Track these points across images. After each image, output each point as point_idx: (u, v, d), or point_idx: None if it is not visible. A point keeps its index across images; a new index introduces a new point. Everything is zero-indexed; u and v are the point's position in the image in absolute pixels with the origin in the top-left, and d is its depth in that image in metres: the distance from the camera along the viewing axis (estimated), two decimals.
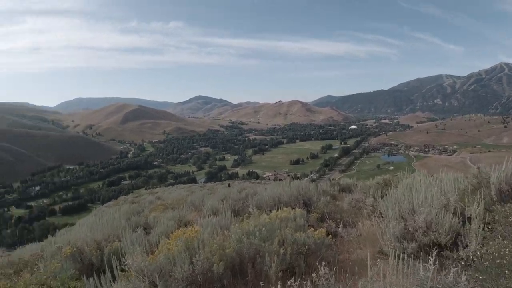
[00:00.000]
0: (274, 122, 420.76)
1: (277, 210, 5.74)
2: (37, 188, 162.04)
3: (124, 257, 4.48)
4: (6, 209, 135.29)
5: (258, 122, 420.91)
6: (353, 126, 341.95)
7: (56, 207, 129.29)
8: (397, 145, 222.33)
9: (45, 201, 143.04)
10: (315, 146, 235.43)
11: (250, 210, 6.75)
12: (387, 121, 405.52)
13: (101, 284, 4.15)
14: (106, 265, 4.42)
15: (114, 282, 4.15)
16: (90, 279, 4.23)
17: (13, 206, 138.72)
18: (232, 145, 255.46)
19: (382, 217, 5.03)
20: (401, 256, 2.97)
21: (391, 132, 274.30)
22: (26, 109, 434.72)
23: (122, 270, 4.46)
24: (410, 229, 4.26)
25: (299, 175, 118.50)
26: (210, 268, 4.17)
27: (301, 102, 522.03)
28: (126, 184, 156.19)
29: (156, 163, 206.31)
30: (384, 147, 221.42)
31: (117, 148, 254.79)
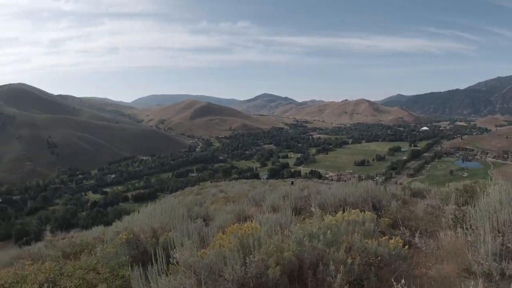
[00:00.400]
0: (339, 121, 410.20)
1: (343, 211, 5.12)
2: (113, 176, 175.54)
3: (175, 249, 4.25)
4: (83, 193, 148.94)
5: (323, 121, 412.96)
6: (425, 128, 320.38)
7: (129, 194, 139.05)
8: (472, 150, 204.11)
9: (119, 188, 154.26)
10: (382, 147, 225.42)
11: (312, 209, 6.25)
12: (462, 123, 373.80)
13: (146, 276, 3.90)
14: (159, 255, 4.21)
15: (161, 275, 3.90)
16: (136, 268, 4.02)
17: (90, 191, 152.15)
18: (296, 143, 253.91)
19: (471, 228, 4.19)
20: (496, 278, 2.70)
21: (466, 136, 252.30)
22: (106, 103, 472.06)
23: (177, 263, 4.17)
24: (510, 245, 3.45)
25: (363, 177, 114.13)
26: (265, 272, 3.66)
27: (368, 101, 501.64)
28: (193, 176, 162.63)
29: (221, 157, 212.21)
30: (459, 152, 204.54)
31: (186, 142, 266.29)
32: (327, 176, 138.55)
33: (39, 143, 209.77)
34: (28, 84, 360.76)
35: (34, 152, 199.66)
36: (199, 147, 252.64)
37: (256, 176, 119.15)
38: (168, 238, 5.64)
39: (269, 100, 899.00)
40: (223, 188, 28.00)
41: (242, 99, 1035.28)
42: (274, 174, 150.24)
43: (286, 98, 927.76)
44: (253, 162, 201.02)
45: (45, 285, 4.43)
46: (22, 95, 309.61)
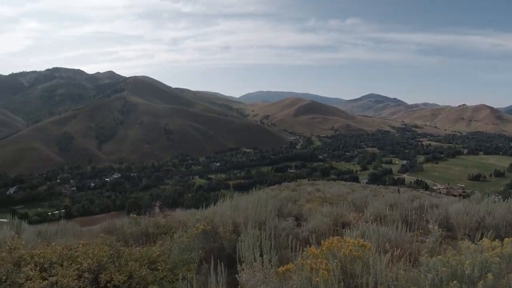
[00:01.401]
0: (454, 128, 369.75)
1: (481, 236, 3.76)
2: (218, 164, 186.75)
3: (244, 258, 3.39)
4: (191, 177, 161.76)
5: (435, 127, 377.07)
6: None
7: (230, 183, 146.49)
8: None
9: (222, 176, 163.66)
10: (502, 161, 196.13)
11: (430, 226, 5.04)
12: None
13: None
14: (237, 256, 3.59)
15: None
16: (201, 273, 3.46)
17: (197, 176, 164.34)
18: (402, 149, 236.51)
19: None
20: None
21: None
22: (216, 97, 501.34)
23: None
24: None
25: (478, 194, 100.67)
26: None
27: (490, 108, 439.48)
28: (291, 172, 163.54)
29: (321, 157, 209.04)
30: None
31: (288, 138, 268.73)
32: (434, 188, 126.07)
33: (157, 129, 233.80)
34: (151, 77, 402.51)
35: (152, 137, 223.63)
36: (299, 144, 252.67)
37: (355, 180, 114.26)
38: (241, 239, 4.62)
39: (376, 100, 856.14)
40: (319, 188, 26.92)
41: (346, 98, 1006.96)
42: (375, 179, 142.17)
43: (394, 100, 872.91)
44: (354, 164, 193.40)
45: (86, 274, 3.90)
46: (145, 87, 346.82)
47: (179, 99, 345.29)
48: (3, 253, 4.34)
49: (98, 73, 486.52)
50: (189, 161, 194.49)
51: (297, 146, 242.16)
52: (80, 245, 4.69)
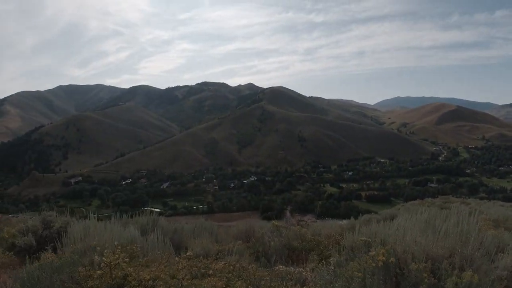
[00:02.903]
0: None
1: None
2: (350, 173, 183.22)
3: None
4: (322, 184, 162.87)
5: None
6: None
7: (362, 193, 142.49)
8: None
9: (354, 185, 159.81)
10: None
11: None
12: None
13: None
14: None
15: None
16: None
17: (328, 184, 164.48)
18: None
19: None
20: None
21: None
22: (350, 105, 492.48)
23: None
24: None
25: None
26: None
27: None
28: (432, 187, 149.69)
29: (468, 171, 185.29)
30: None
31: (429, 148, 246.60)
32: None
33: (292, 136, 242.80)
34: (286, 87, 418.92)
35: (287, 143, 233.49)
36: (442, 155, 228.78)
37: (510, 199, 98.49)
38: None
39: None
40: (474, 207, 24.66)
41: (501, 103, 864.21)
42: None
43: None
44: (508, 182, 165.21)
45: None
46: (281, 96, 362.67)
47: (312, 107, 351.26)
48: (102, 270, 3.69)
49: (239, 85, 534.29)
50: (321, 169, 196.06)
51: (440, 158, 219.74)
52: (211, 270, 4.14)
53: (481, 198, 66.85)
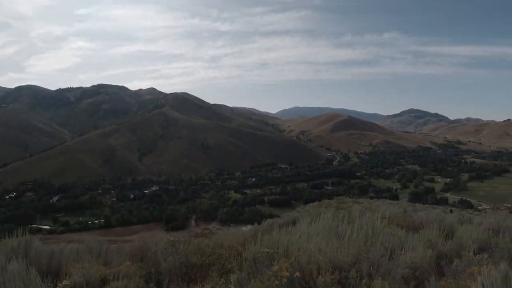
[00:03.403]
0: (500, 145, 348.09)
1: None
2: (253, 179, 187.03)
3: None
4: (226, 191, 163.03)
5: (479, 143, 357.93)
6: None
7: (265, 198, 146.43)
8: None
9: (257, 191, 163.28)
10: None
11: None
12: None
13: None
14: None
15: None
16: None
17: (232, 191, 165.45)
18: (445, 166, 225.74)
19: None
20: None
21: None
22: (252, 113, 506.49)
23: None
24: None
25: None
26: None
27: None
28: (328, 189, 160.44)
29: (359, 174, 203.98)
30: None
31: (324, 154, 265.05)
32: (480, 208, 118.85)
33: (196, 143, 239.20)
34: (190, 93, 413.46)
35: (190, 151, 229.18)
36: (336, 160, 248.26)
37: (395, 198, 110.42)
38: None
39: (416, 116, 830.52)
40: (366, 206, 25.98)
41: (386, 114, 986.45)
42: (416, 198, 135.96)
43: (436, 115, 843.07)
44: (393, 182, 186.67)
45: None
46: (184, 102, 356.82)
47: (216, 115, 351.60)
48: None
49: (140, 89, 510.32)
50: (225, 176, 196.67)
51: (334, 163, 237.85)
52: None
53: (371, 198, 73.08)
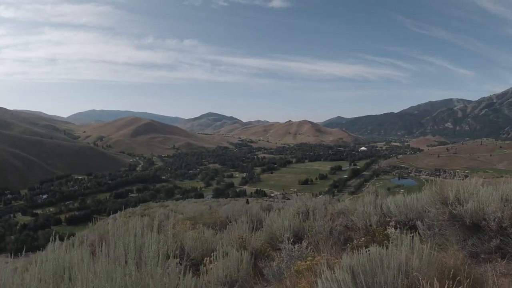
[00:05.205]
0: (283, 141, 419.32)
1: None
2: (45, 196, 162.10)
3: None
4: (12, 215, 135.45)
5: (268, 141, 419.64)
6: (363, 148, 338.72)
7: (62, 217, 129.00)
8: (407, 168, 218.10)
9: (51, 209, 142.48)
10: (324, 166, 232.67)
11: None
12: (397, 144, 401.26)
13: None
14: None
15: None
16: None
17: (19, 213, 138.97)
18: (241, 163, 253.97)
19: None
20: None
21: (401, 155, 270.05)
22: (39, 118, 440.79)
23: None
24: None
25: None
26: None
27: (311, 122, 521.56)
28: (133, 197, 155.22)
29: (164, 177, 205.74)
30: (395, 170, 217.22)
31: (126, 160, 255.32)
32: (272, 195, 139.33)
33: None
34: None
35: None
36: (140, 166, 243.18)
37: (201, 196, 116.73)
38: None
39: (214, 119, 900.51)
40: (173, 208, 26.35)
41: (187, 117, 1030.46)
42: (219, 194, 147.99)
43: (231, 118, 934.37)
44: (197, 181, 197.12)
45: None
46: None
47: None
48: None
49: None
50: (8, 196, 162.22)
51: (138, 168, 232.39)
52: None
53: (177, 199, 75.09)
